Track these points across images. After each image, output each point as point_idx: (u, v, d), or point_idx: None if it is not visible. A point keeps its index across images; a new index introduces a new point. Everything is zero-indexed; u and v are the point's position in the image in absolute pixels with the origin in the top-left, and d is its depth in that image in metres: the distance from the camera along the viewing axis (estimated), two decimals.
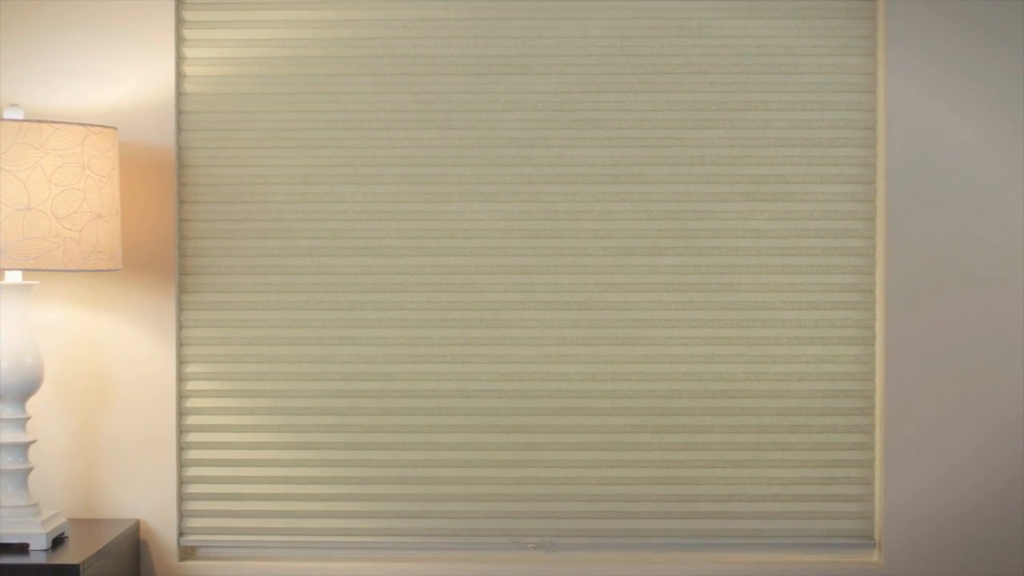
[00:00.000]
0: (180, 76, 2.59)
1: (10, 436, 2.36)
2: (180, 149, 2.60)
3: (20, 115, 2.35)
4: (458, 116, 2.61)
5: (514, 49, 2.61)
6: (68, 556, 2.27)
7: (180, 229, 2.61)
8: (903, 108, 2.54)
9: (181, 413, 2.62)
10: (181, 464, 2.62)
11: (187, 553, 2.63)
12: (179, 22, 2.59)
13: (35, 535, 2.32)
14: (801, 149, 2.60)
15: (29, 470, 2.38)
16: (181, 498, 2.61)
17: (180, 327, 2.61)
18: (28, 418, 2.38)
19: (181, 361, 2.61)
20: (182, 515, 2.62)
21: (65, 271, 2.33)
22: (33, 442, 2.39)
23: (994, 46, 2.54)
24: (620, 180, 2.60)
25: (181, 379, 2.61)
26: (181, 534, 2.61)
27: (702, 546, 2.59)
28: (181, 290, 2.61)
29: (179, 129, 2.60)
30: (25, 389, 2.36)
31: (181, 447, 2.62)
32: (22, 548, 2.31)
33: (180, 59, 2.59)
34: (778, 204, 2.59)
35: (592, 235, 2.60)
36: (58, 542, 2.37)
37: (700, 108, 2.60)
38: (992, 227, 2.55)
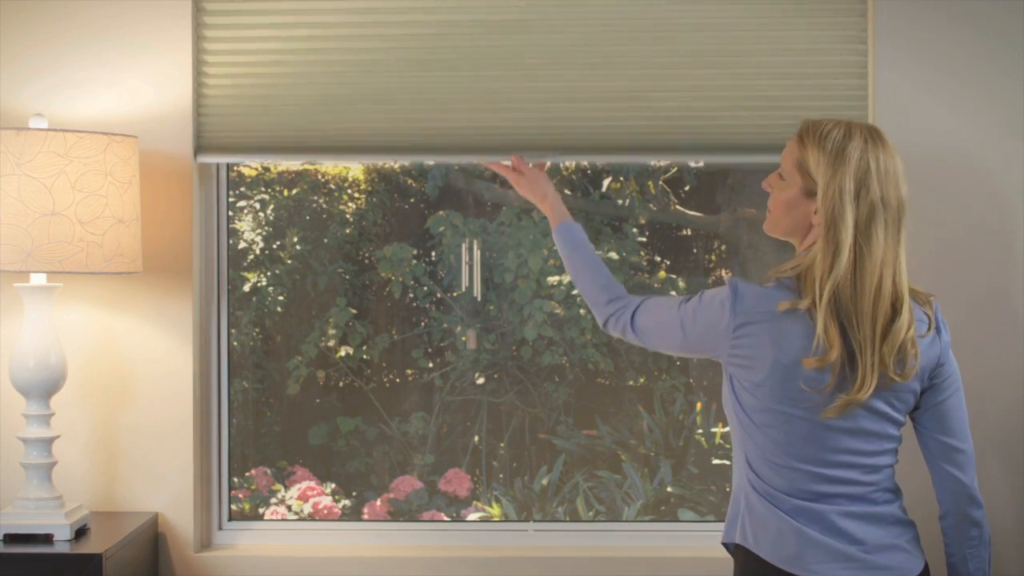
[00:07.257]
0: (197, 88, 2.65)
1: (35, 431, 2.43)
2: (197, 157, 2.66)
3: (44, 124, 2.41)
4: (466, 138, 2.66)
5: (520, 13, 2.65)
6: (91, 546, 2.36)
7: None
8: (893, 108, 2.59)
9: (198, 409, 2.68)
10: (198, 459, 2.68)
11: (203, 544, 2.71)
12: (196, 37, 2.64)
13: (59, 526, 2.39)
14: None
15: (53, 464, 2.46)
16: (198, 491, 2.68)
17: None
18: (52, 414, 2.46)
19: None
20: (198, 507, 2.68)
21: (88, 273, 2.39)
22: (57, 437, 2.47)
23: (985, 44, 2.60)
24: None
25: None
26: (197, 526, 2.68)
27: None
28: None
29: (196, 137, 2.66)
30: (49, 386, 2.43)
31: (198, 443, 2.68)
32: (47, 538, 2.38)
33: (197, 72, 2.65)
34: None
35: None
36: (81, 533, 2.45)
37: (697, 109, 2.65)
38: (985, 222, 2.60)
